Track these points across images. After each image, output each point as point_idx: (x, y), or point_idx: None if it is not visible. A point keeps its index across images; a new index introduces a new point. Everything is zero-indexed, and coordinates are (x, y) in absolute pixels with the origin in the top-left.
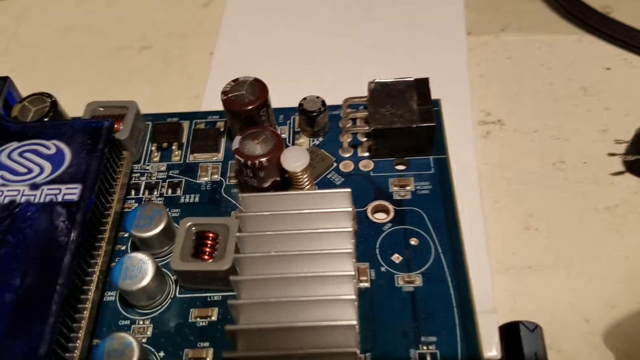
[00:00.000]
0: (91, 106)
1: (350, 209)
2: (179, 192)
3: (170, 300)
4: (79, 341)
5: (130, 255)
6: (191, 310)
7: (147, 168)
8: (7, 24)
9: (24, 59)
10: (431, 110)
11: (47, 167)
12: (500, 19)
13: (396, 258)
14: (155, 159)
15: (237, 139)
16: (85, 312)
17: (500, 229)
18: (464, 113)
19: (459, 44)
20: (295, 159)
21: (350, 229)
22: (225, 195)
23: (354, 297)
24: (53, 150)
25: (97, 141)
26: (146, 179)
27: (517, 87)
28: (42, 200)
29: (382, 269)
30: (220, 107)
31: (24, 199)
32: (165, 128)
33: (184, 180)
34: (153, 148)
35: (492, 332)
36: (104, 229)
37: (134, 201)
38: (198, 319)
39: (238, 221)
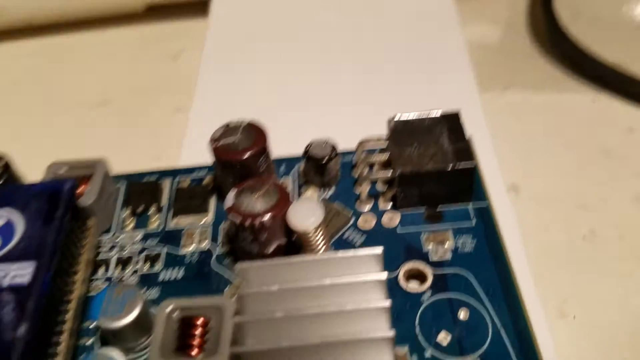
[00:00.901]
0: (53, 167)
1: (385, 276)
2: (157, 267)
3: None
4: None
5: (97, 352)
6: None
7: (119, 239)
8: None
9: None
10: (468, 147)
11: None
12: (502, 75)
13: (443, 338)
14: (128, 228)
15: (232, 194)
16: None
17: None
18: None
19: (473, 100)
20: (306, 215)
21: (387, 304)
22: (215, 269)
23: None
24: (2, 222)
25: (56, 207)
26: (117, 253)
27: (529, 148)
28: None
29: (427, 354)
30: (203, 160)
31: None
32: (141, 188)
33: (164, 251)
34: (126, 214)
35: None
36: (63, 319)
37: (102, 281)
38: None
39: (235, 301)
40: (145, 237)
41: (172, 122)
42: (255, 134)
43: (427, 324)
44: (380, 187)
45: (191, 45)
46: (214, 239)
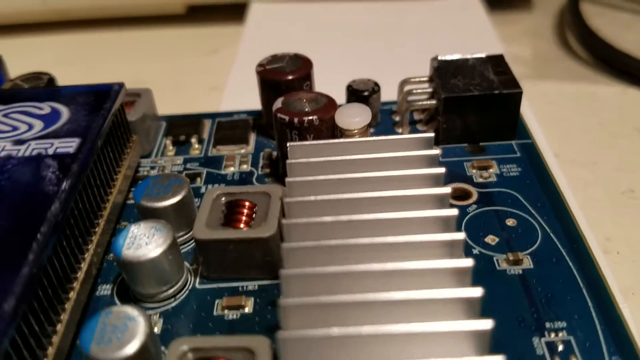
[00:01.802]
0: None
1: (438, 151)
2: (198, 182)
3: (187, 292)
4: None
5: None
6: (217, 301)
7: (159, 162)
8: None
9: None
10: (514, 79)
11: (38, 124)
12: (535, 73)
13: (491, 240)
14: (169, 154)
15: (280, 100)
16: (75, 283)
17: None
18: None
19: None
20: (354, 115)
21: (443, 171)
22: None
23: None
24: (47, 111)
25: (104, 101)
26: (157, 172)
27: (565, 125)
28: (27, 154)
29: (475, 251)
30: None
31: (3, 153)
32: (183, 122)
33: (205, 171)
34: (167, 142)
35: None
36: (97, 221)
37: None
38: (227, 310)
39: (283, 188)
40: (186, 161)
41: (207, 99)
42: (301, 61)
43: (474, 229)
44: (421, 127)
45: (227, 45)
46: (255, 164)
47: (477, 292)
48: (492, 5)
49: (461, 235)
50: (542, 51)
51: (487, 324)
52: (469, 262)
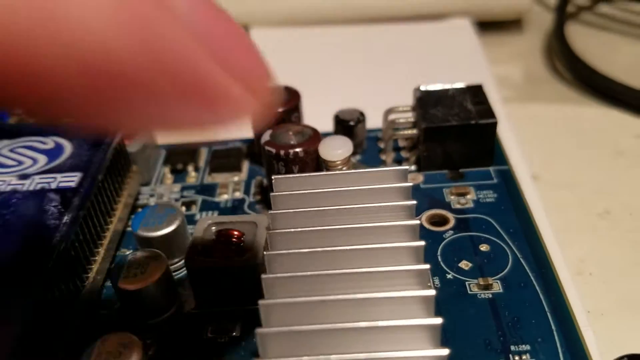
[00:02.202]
0: None
1: (411, 184)
2: (194, 209)
3: (179, 316)
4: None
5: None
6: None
7: (158, 190)
8: None
9: None
10: (490, 108)
11: (42, 159)
12: (522, 95)
13: (465, 265)
14: (167, 182)
15: (268, 132)
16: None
17: None
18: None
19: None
20: (336, 147)
21: (414, 203)
22: (249, 212)
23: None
24: (50, 145)
25: (104, 138)
26: (156, 200)
27: (548, 147)
28: (31, 188)
29: (449, 276)
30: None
31: (8, 188)
32: (181, 150)
33: (200, 199)
34: (166, 170)
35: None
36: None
37: None
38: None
39: (268, 218)
40: (183, 189)
41: None
42: (290, 94)
43: (448, 254)
44: (404, 154)
45: None
46: (247, 192)
47: (437, 321)
48: (483, 28)
49: (426, 266)
50: (530, 73)
51: (443, 351)
52: (431, 292)
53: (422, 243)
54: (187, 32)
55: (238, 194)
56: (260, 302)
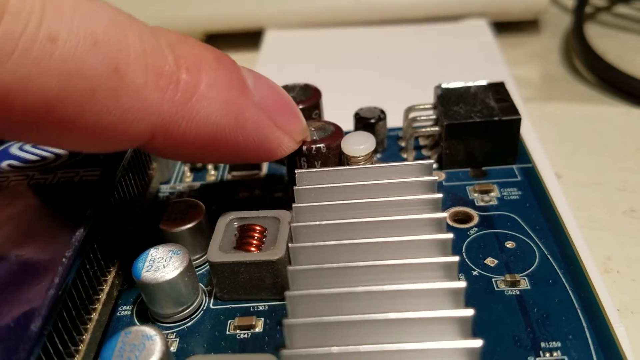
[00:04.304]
0: None
1: (436, 178)
2: (214, 207)
3: (202, 312)
4: (86, 334)
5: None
6: (229, 321)
7: (178, 187)
8: None
9: None
10: (514, 106)
11: (64, 154)
12: (541, 95)
13: (490, 261)
14: (187, 180)
15: None
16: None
17: None
18: None
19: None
20: (359, 143)
21: (440, 196)
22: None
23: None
24: None
25: None
26: (176, 198)
27: (570, 146)
28: (54, 182)
29: (475, 272)
30: None
31: (32, 182)
32: None
33: (220, 196)
34: (185, 168)
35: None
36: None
37: None
38: (238, 330)
39: (291, 213)
40: (203, 187)
41: None
42: (311, 91)
43: (474, 252)
44: (425, 152)
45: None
46: (267, 189)
47: (468, 312)
48: (500, 29)
49: (455, 258)
50: (549, 73)
51: (477, 342)
52: (462, 284)
53: (450, 235)
54: (257, 105)
55: (258, 192)
56: (287, 293)
